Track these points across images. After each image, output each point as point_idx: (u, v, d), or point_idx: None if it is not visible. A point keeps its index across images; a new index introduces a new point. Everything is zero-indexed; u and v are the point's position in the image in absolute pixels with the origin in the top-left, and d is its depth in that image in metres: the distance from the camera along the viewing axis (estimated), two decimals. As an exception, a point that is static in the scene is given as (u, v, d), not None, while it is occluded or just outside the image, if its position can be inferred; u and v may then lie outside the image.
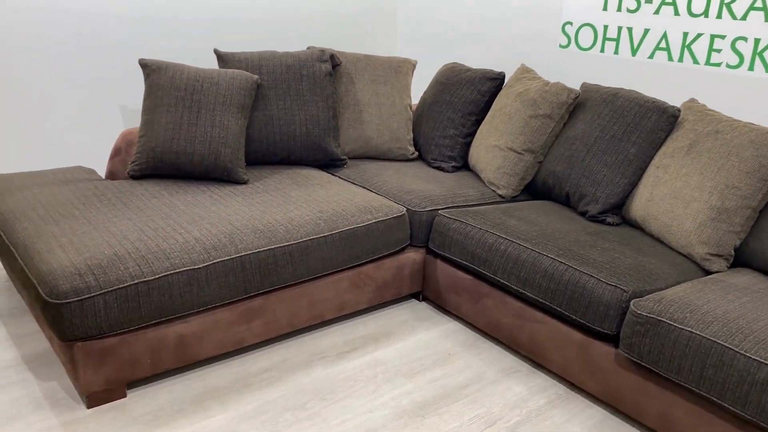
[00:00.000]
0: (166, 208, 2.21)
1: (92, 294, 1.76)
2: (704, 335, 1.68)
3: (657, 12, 2.79)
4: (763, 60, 2.50)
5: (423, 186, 2.67)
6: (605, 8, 2.98)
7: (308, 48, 3.01)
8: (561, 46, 3.20)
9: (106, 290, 1.78)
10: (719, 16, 2.59)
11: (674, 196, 2.23)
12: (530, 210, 2.50)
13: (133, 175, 2.51)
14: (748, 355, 1.60)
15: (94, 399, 1.89)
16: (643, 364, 1.81)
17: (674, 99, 2.79)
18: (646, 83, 2.89)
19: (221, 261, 1.98)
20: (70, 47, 2.98)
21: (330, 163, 2.89)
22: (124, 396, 1.95)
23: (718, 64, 2.63)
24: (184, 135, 2.45)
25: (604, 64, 3.04)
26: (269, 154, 2.77)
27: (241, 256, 2.02)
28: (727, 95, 2.62)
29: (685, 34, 2.72)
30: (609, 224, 2.42)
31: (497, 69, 3.54)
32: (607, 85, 2.85)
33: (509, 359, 2.27)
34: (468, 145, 3.00)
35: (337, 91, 2.99)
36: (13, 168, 2.99)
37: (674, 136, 2.36)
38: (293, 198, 2.40)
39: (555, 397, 2.07)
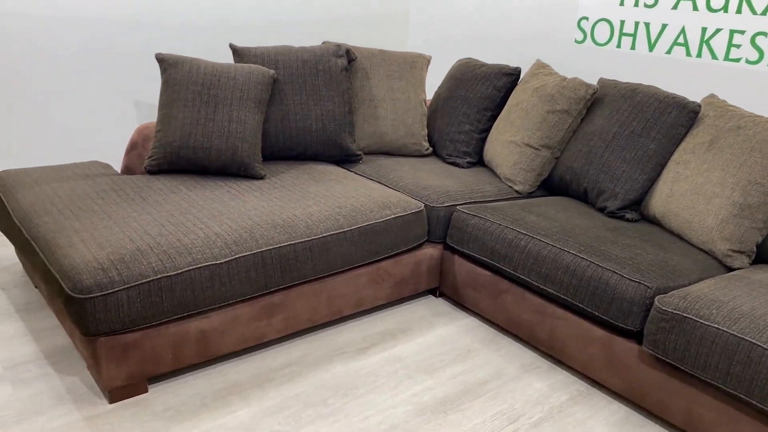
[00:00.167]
0: (185, 203, 2.20)
1: (116, 289, 1.75)
2: (731, 332, 1.67)
3: (675, 7, 2.78)
4: (783, 55, 2.48)
5: (440, 182, 2.66)
6: (622, 3, 2.96)
7: (323, 43, 2.99)
8: (576, 41, 3.18)
9: (129, 285, 1.77)
10: (739, 11, 2.57)
11: (695, 192, 2.22)
12: (548, 206, 2.49)
13: (150, 170, 2.50)
14: (776, 351, 1.59)
15: (116, 394, 1.89)
16: (667, 360, 1.80)
17: (692, 95, 2.78)
18: (663, 79, 2.88)
19: (243, 256, 1.97)
20: (84, 43, 2.97)
21: (345, 159, 2.88)
22: (146, 391, 1.94)
23: (738, 60, 2.61)
24: (201, 130, 2.44)
25: (621, 59, 3.03)
26: (285, 150, 2.76)
27: (262, 251, 2.01)
28: (747, 91, 2.61)
29: (704, 29, 2.70)
30: (628, 220, 2.41)
31: (511, 65, 3.52)
32: (623, 81, 2.84)
33: (529, 355, 2.26)
34: (483, 140, 2.98)
35: (352, 87, 2.98)
36: (28, 163, 2.99)
37: (695, 131, 2.35)
38: (311, 193, 2.39)
39: (576, 393, 2.06)
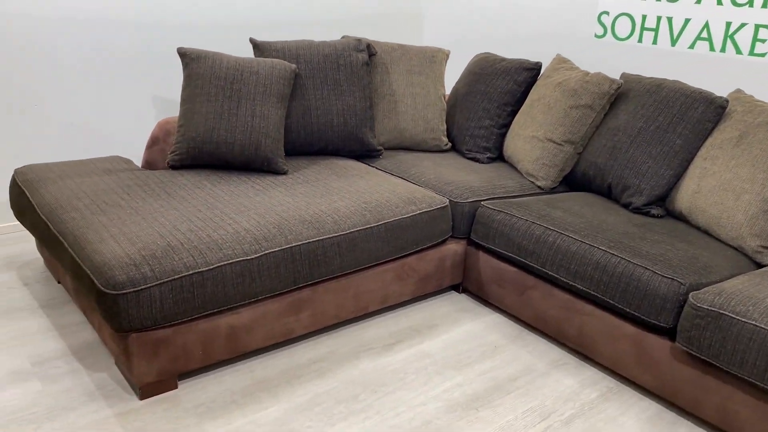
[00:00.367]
0: (211, 198, 2.19)
1: (148, 285, 1.74)
2: (769, 328, 1.66)
3: (698, 2, 2.76)
4: (810, 50, 2.47)
5: (462, 177, 2.65)
6: (643, -2, 2.95)
7: (343, 37, 2.97)
8: (597, 36, 3.17)
9: (161, 281, 1.76)
10: (765, 5, 2.56)
11: (724, 188, 2.21)
12: (573, 201, 2.48)
13: (173, 165, 2.48)
14: (816, 348, 1.58)
15: (146, 390, 1.88)
16: (702, 357, 1.79)
17: (716, 90, 2.77)
18: (686, 74, 2.86)
19: (272, 252, 1.96)
20: (100, 40, 2.95)
21: (366, 154, 2.87)
22: (176, 387, 1.93)
23: (763, 55, 2.59)
24: (224, 125, 2.43)
25: (642, 54, 3.01)
26: (306, 145, 2.75)
27: (291, 247, 2.00)
28: (772, 86, 2.59)
29: (728, 24, 2.68)
30: (653, 216, 2.40)
31: (528, 59, 3.50)
32: (645, 76, 2.82)
33: (556, 352, 2.25)
34: (503, 136, 2.97)
35: (373, 81, 2.96)
36: (46, 159, 2.97)
37: (722, 127, 2.33)
38: (335, 189, 2.37)
39: (606, 390, 2.05)
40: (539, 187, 2.70)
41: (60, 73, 2.89)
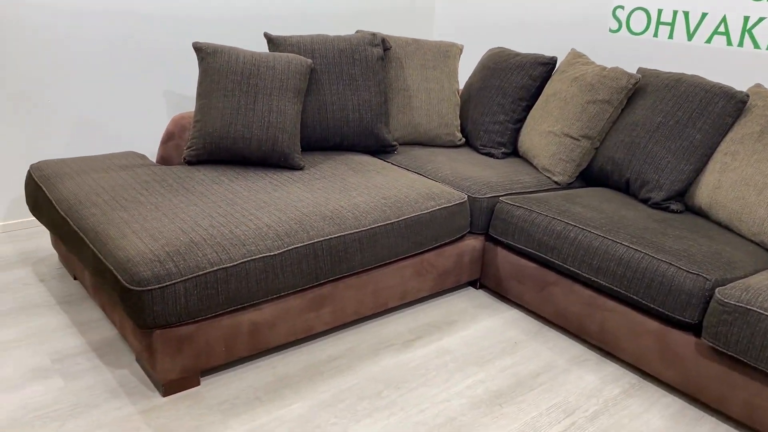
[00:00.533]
0: (230, 194, 2.18)
1: (173, 281, 1.73)
2: (798, 324, 1.66)
3: (716, -4, 2.74)
4: (830, 45, 2.45)
5: (479, 172, 2.63)
6: (659, -8, 2.93)
7: (357, 32, 2.96)
8: (611, 30, 3.15)
9: (186, 277, 1.75)
10: (784, -1, 2.54)
11: (745, 183, 2.20)
12: (591, 197, 2.47)
13: (189, 161, 2.47)
14: None
15: (170, 387, 1.87)
16: (728, 353, 1.79)
17: (734, 84, 2.75)
18: (703, 68, 2.85)
19: (295, 248, 1.95)
20: (112, 34, 2.93)
21: (381, 149, 2.86)
22: (198, 384, 1.92)
23: (782, 49, 2.58)
24: (241, 120, 2.41)
25: (658, 48, 2.99)
26: (322, 140, 2.73)
27: (313, 243, 1.99)
28: (790, 81, 2.58)
29: (746, 18, 2.67)
30: (672, 211, 2.39)
31: (542, 54, 3.48)
32: (660, 70, 2.81)
33: (577, 348, 2.24)
34: (517, 131, 2.96)
35: (387, 76, 2.94)
36: (60, 155, 2.95)
37: (742, 122, 2.32)
38: (353, 184, 2.36)
39: (629, 386, 2.05)
40: (556, 182, 2.69)
41: (71, 68, 2.87)
